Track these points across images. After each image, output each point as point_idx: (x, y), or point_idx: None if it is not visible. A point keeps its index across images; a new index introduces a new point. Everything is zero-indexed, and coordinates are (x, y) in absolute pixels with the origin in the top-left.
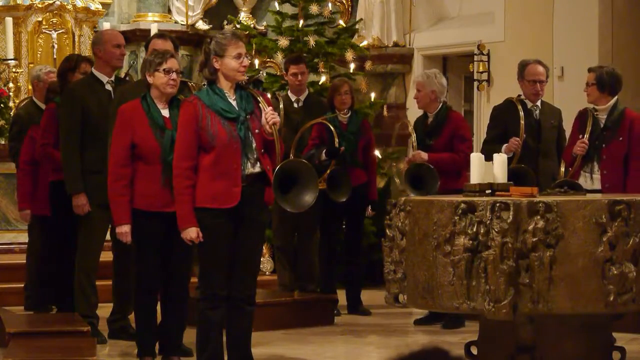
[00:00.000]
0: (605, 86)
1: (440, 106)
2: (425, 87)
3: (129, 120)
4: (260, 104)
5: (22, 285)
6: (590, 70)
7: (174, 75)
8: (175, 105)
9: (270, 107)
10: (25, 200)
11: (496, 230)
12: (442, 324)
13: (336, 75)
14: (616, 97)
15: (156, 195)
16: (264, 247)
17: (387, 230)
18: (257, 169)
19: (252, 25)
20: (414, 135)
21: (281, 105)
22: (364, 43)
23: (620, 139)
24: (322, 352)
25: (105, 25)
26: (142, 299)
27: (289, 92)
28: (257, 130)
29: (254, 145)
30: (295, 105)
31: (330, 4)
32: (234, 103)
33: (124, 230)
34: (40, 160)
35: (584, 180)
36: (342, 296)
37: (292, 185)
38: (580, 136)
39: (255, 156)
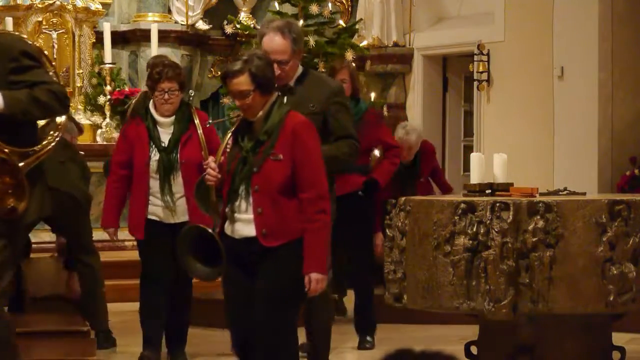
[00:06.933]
0: (266, 86)
1: None
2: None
3: None
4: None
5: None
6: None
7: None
8: None
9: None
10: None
11: (496, 230)
12: None
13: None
14: (275, 95)
15: None
16: None
17: (387, 230)
18: None
19: (252, 25)
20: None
21: None
22: (364, 43)
23: (281, 157)
24: None
25: (105, 25)
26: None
27: None
28: None
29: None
30: None
31: (330, 4)
32: None
33: None
34: None
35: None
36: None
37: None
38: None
39: None
